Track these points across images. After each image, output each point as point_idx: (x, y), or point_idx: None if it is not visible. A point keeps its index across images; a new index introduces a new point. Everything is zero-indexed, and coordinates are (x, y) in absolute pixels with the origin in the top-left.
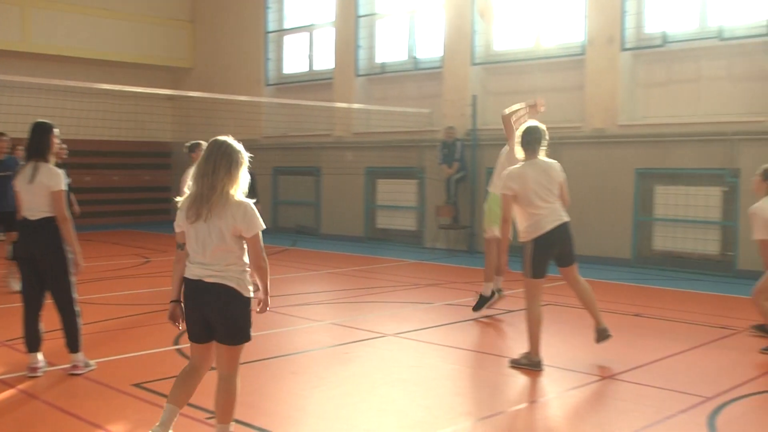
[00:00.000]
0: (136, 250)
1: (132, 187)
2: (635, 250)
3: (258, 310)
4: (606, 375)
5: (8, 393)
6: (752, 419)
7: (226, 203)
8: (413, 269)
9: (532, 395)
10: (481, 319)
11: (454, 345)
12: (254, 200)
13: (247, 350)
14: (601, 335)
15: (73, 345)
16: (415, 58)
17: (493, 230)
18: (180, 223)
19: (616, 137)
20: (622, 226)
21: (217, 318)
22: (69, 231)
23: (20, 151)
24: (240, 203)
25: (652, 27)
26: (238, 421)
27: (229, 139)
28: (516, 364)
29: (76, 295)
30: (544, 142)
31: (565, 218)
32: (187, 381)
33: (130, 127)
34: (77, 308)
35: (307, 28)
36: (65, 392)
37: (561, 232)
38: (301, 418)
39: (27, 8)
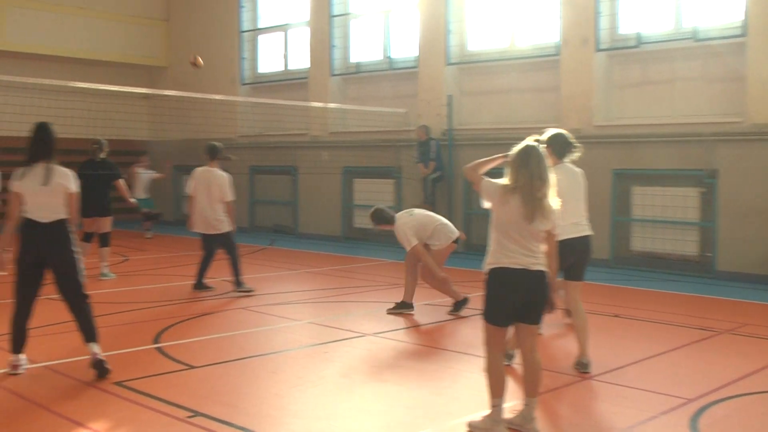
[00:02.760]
0: (116, 249)
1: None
2: (613, 251)
3: (546, 310)
4: (586, 376)
5: None
6: (735, 422)
7: (546, 205)
8: (391, 269)
9: (511, 397)
10: (458, 318)
11: (432, 345)
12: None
13: (226, 349)
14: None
15: (93, 334)
16: (389, 57)
17: None
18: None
19: (593, 138)
20: (600, 226)
21: (536, 299)
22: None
23: None
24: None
25: (627, 28)
26: (217, 420)
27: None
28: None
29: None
30: (574, 149)
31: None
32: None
33: (106, 125)
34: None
35: (282, 28)
36: (47, 390)
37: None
38: (281, 417)
39: (3, 6)
